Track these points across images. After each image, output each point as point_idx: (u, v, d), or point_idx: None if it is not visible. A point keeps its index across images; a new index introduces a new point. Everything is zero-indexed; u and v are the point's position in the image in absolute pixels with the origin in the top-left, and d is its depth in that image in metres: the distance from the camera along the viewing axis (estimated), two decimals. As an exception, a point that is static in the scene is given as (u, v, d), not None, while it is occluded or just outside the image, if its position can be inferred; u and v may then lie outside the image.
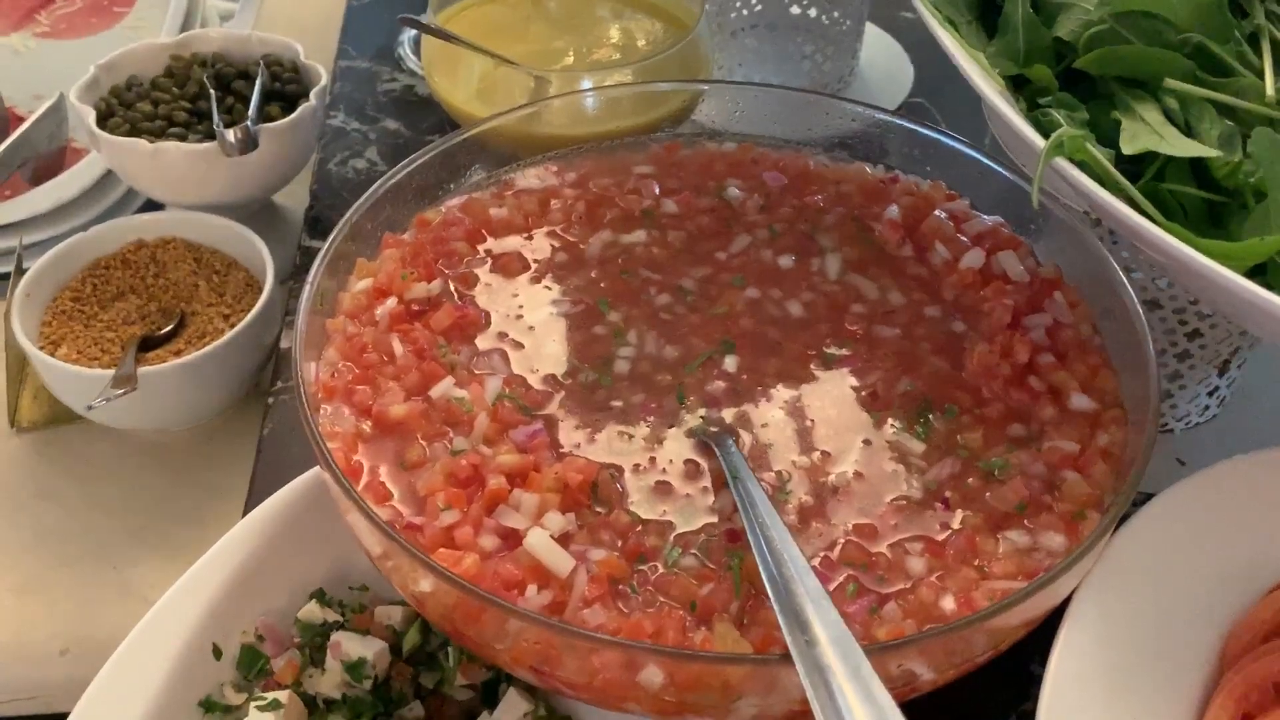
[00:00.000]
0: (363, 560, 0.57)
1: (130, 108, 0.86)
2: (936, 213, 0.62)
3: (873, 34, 0.99)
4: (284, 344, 0.80)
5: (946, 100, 0.96)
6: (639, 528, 0.47)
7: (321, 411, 0.52)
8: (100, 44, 1.16)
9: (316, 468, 0.58)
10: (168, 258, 0.82)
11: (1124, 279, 0.54)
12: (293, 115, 0.81)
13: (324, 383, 0.54)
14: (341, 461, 0.49)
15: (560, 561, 0.45)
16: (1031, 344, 0.55)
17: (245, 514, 0.70)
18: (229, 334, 0.72)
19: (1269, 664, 0.44)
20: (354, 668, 0.52)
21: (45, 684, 0.70)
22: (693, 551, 0.47)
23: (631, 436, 0.51)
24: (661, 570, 0.46)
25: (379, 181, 0.60)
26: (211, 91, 0.85)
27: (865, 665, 0.37)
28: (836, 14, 0.90)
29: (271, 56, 0.88)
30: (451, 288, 0.58)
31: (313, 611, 0.55)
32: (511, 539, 0.46)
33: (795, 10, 0.91)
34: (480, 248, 0.61)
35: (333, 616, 0.55)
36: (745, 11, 0.92)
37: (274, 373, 0.79)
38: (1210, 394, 0.67)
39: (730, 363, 0.55)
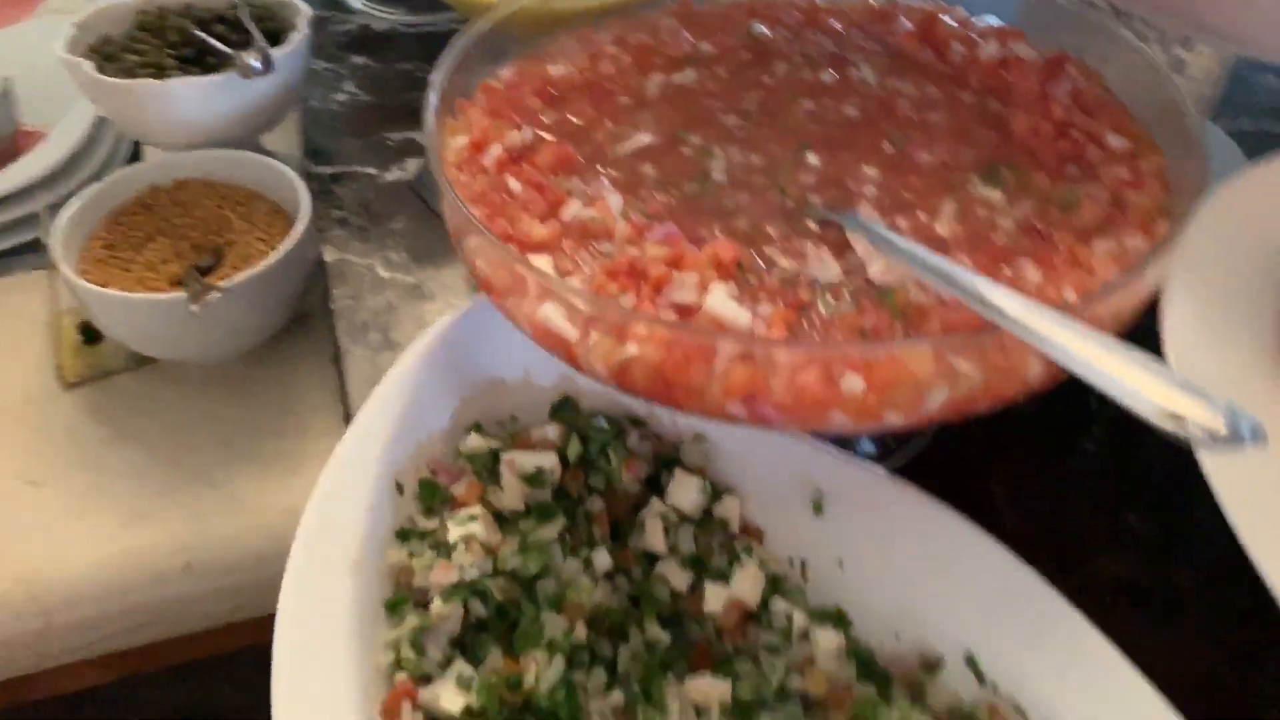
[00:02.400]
0: (503, 398, 0.61)
1: (114, 60, 0.86)
2: (943, 17, 0.70)
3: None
4: (327, 257, 0.82)
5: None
6: (792, 287, 0.53)
7: (464, 244, 0.55)
8: (24, 32, 1.14)
9: (445, 319, 0.61)
10: (186, 198, 0.83)
11: (1123, 32, 0.63)
12: (296, 36, 0.83)
13: (450, 231, 0.57)
14: (494, 281, 0.53)
15: (740, 315, 0.50)
16: (1062, 105, 0.63)
17: (348, 418, 0.74)
18: (290, 242, 0.74)
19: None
20: (532, 478, 0.56)
21: (170, 601, 0.71)
22: (844, 296, 0.52)
23: (754, 225, 0.57)
24: (824, 314, 0.52)
25: (453, 43, 0.63)
26: (199, 34, 0.86)
27: (1061, 315, 0.44)
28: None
29: (245, -3, 0.90)
30: (540, 134, 0.62)
31: (475, 442, 0.59)
32: (684, 315, 0.51)
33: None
34: (550, 99, 0.65)
35: (495, 443, 0.59)
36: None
37: (325, 288, 0.82)
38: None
39: (813, 159, 0.61)
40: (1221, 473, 0.47)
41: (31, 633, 0.69)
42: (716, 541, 0.57)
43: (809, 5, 0.73)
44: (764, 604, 0.54)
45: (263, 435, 0.76)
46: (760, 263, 0.55)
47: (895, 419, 0.49)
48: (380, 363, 0.74)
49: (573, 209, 0.57)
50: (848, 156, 0.61)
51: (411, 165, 0.90)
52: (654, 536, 0.56)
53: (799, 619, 0.53)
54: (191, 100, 0.80)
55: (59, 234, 0.76)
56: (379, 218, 0.85)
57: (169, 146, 0.87)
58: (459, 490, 0.57)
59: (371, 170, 0.90)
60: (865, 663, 0.53)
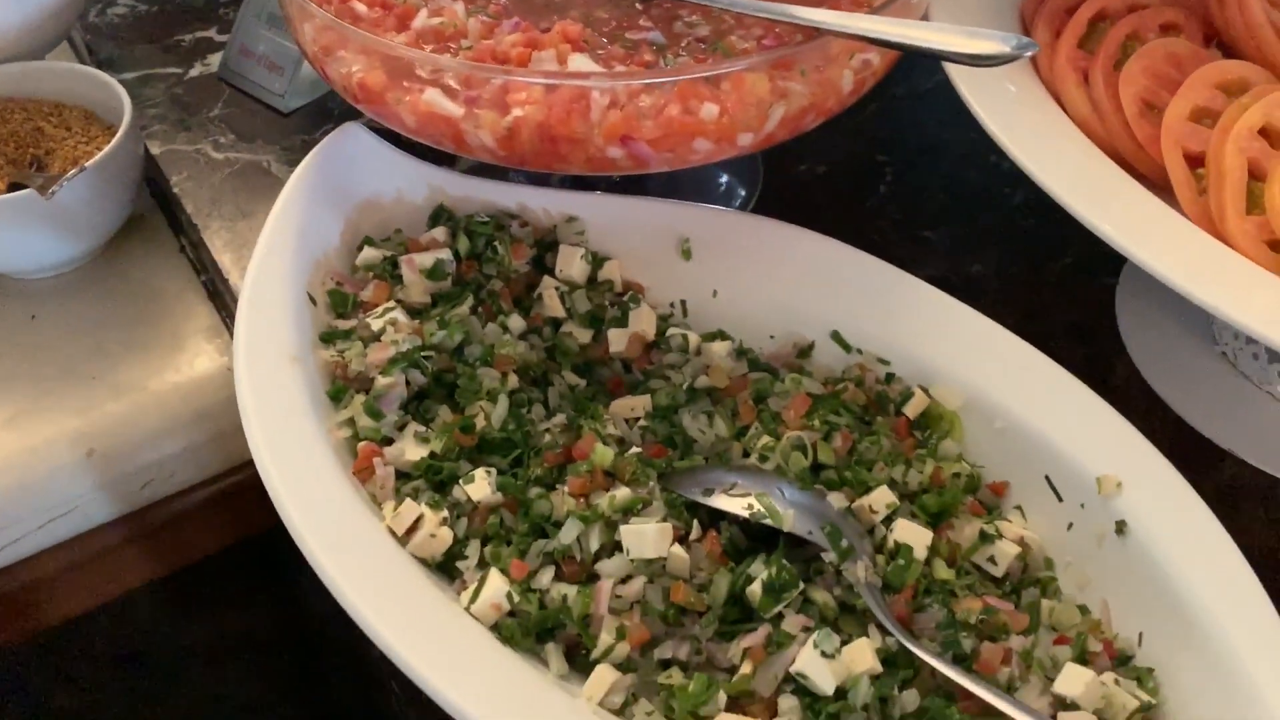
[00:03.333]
0: (383, 216, 0.66)
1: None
2: None
3: None
4: (154, 150, 0.83)
5: None
6: (636, 51, 0.61)
7: (333, 60, 0.60)
8: None
9: (314, 151, 0.65)
10: (-13, 119, 0.81)
11: None
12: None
13: (313, 54, 0.61)
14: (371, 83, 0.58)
15: (598, 68, 0.57)
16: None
17: (213, 295, 0.76)
18: (126, 121, 0.75)
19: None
20: (433, 271, 0.62)
21: (81, 491, 0.72)
22: (681, 53, 0.61)
23: (587, 14, 0.64)
24: (669, 68, 0.60)
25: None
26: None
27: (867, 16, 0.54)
28: None
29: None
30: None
31: (370, 254, 0.63)
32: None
33: None
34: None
35: (389, 251, 0.63)
36: None
37: (154, 190, 0.83)
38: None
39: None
40: (981, 103, 0.59)
41: (-59, 547, 0.68)
42: (607, 300, 0.65)
43: None
44: (660, 334, 0.63)
45: (130, 325, 0.77)
46: (603, 39, 0.62)
47: (747, 140, 0.58)
48: (240, 229, 0.76)
49: (421, 19, 0.62)
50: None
51: (213, 59, 0.91)
52: (552, 304, 0.63)
53: (693, 338, 0.62)
54: (-23, 9, 0.79)
55: None
56: (194, 108, 0.86)
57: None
58: (367, 294, 0.62)
59: (174, 70, 0.90)
60: (753, 361, 0.62)
